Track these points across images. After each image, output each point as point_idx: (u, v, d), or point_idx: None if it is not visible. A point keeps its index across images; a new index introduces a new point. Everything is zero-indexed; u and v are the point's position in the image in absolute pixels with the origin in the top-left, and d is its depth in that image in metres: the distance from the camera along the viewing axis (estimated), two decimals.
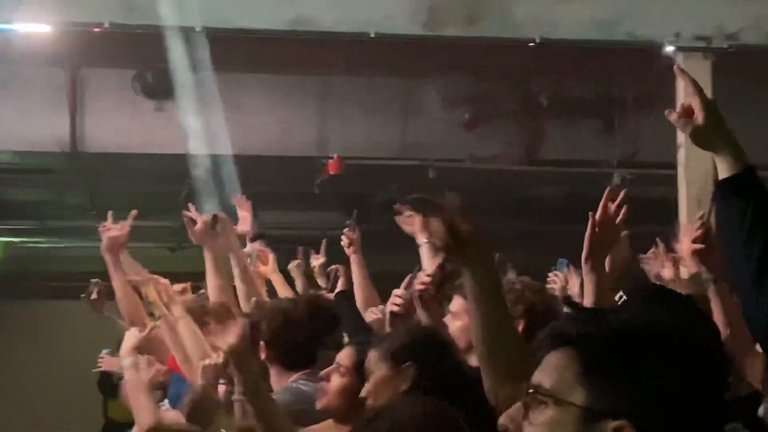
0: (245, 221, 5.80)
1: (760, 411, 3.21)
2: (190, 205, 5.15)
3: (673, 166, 7.51)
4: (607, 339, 1.44)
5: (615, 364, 1.42)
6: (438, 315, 3.56)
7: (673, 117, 2.29)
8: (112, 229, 5.40)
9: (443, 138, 9.16)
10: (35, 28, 7.32)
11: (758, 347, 2.98)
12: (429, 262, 4.16)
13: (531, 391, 1.47)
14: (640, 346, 1.43)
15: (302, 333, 3.72)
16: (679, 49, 7.48)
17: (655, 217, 6.28)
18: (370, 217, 8.51)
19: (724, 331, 2.89)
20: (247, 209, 5.81)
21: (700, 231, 3.15)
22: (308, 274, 6.15)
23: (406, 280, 3.95)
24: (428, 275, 3.52)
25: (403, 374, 3.00)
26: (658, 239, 4.39)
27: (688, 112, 2.26)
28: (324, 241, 6.19)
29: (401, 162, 9.08)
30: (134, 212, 5.51)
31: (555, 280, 5.35)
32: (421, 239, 4.58)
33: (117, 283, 5.40)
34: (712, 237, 3.17)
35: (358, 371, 3.30)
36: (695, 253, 3.16)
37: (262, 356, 3.87)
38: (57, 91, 8.78)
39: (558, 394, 1.43)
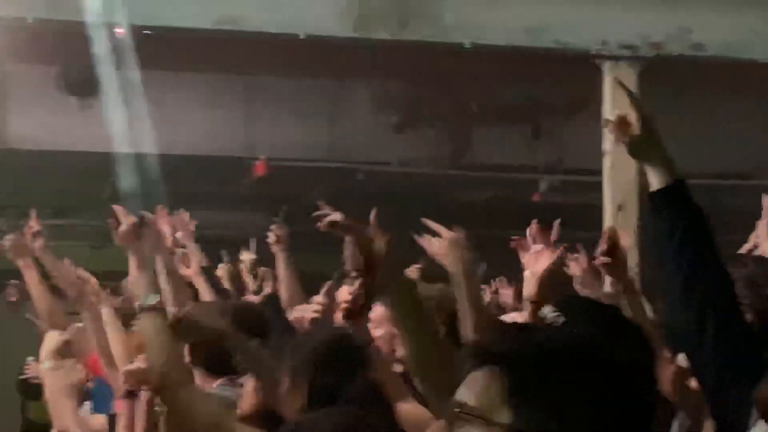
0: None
1: (674, 428, 3.21)
2: (116, 206, 5.05)
3: (599, 173, 7.58)
4: (532, 359, 1.41)
5: (541, 385, 1.40)
6: (365, 327, 3.53)
7: (608, 127, 2.31)
8: (7, 239, 5.30)
9: (372, 141, 9.16)
10: None
11: (677, 357, 3.00)
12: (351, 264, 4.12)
13: (456, 409, 1.44)
14: (566, 367, 1.41)
15: None
16: (605, 57, 7.55)
17: (580, 223, 6.32)
18: (298, 218, 8.47)
19: None
20: (168, 223, 5.68)
21: (606, 244, 3.16)
22: (234, 276, 6.09)
23: (327, 286, 3.92)
24: (350, 293, 3.48)
25: (299, 390, 2.94)
26: (579, 247, 4.42)
27: (623, 123, 2.29)
28: (253, 239, 6.14)
29: (329, 164, 9.06)
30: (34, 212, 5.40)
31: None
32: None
33: (30, 285, 5.30)
34: (620, 249, 3.20)
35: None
36: (603, 266, 3.18)
37: (187, 359, 3.82)
38: None
39: (484, 413, 1.41)
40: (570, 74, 8.37)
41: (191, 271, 5.71)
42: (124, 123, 8.06)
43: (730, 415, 2.07)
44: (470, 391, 1.44)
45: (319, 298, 3.90)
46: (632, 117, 2.29)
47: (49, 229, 5.54)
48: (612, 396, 1.40)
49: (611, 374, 1.42)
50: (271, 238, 5.60)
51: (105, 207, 5.16)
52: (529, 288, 3.14)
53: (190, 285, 5.57)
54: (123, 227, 4.74)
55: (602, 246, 3.15)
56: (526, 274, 3.21)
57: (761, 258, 2.81)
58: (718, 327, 2.16)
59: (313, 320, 3.83)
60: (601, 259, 3.14)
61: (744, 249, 2.90)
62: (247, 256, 6.03)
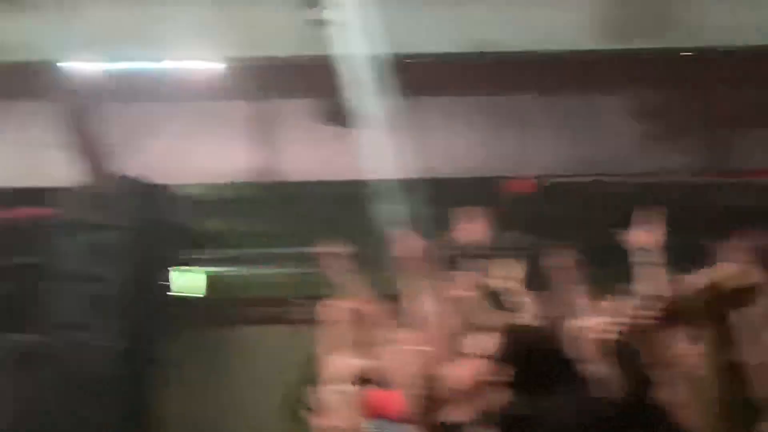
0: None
1: None
2: (405, 231, 4.91)
3: None
4: None
5: None
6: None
7: None
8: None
9: (635, 151, 9.04)
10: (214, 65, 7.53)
11: None
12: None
13: None
14: None
15: None
16: None
17: None
18: (570, 236, 8.42)
19: None
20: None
21: None
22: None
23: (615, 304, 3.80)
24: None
25: None
26: None
27: None
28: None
29: (597, 178, 9.00)
30: None
31: None
32: None
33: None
34: None
35: None
36: None
37: None
38: (243, 124, 9.00)
39: None
40: None
41: (463, 291, 5.61)
42: (385, 149, 8.19)
43: None
44: None
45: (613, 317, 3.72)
46: None
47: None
48: None
49: None
50: (560, 261, 5.31)
51: (374, 234, 5.21)
52: None
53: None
54: (415, 252, 4.51)
55: None
56: None
57: None
58: None
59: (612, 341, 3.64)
60: None
61: None
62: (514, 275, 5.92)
